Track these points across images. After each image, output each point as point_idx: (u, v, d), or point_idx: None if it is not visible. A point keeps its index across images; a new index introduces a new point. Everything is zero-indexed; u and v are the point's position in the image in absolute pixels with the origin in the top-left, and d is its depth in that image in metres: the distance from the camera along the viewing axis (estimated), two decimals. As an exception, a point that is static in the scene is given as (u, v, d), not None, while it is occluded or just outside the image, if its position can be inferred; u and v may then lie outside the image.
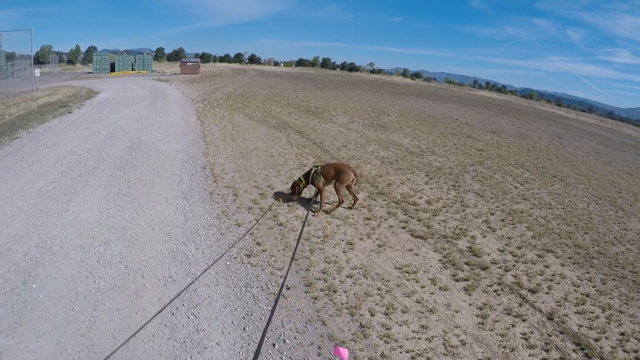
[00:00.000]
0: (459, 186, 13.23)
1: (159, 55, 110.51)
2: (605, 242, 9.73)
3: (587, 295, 7.26)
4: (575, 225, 10.58)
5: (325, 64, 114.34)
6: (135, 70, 57.31)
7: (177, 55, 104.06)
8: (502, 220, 10.64)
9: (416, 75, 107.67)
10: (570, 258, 8.64)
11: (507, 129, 28.03)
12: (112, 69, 56.33)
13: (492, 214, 11.01)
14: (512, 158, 18.47)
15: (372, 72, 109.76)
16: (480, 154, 18.53)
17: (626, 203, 13.34)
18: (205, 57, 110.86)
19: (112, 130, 16.77)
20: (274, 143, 16.52)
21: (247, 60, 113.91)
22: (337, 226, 9.26)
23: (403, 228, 9.59)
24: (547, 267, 8.18)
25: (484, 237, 9.56)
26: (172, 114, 21.59)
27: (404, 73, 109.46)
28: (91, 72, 55.03)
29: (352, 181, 9.89)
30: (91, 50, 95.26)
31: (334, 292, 6.84)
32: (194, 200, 9.96)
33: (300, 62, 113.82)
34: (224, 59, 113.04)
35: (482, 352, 5.77)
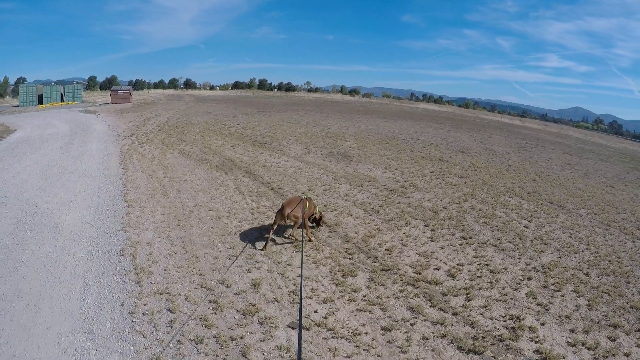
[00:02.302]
0: (470, 237, 10.37)
1: (91, 84, 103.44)
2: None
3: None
4: (612, 272, 9.15)
5: (262, 85, 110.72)
6: (64, 102, 51.66)
7: (110, 84, 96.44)
8: (545, 287, 8.20)
9: (354, 91, 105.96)
10: (639, 331, 6.96)
11: (473, 146, 25.71)
12: (40, 101, 50.29)
13: (530, 279, 8.44)
14: (498, 184, 16.19)
15: (310, 90, 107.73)
16: (464, 182, 15.92)
17: (633, 226, 12.62)
18: (139, 85, 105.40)
19: (4, 190, 12.51)
20: (220, 193, 12.80)
21: (182, 86, 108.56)
22: (347, 358, 5.66)
23: (442, 337, 6.24)
24: (627, 355, 6.27)
25: (543, 324, 6.88)
26: (90, 158, 17.33)
27: (342, 90, 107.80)
28: (18, 106, 49.35)
29: (283, 219, 9.08)
30: (20, 81, 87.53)
31: None
32: (105, 336, 5.88)
33: (236, 85, 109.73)
34: (159, 85, 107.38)
35: None
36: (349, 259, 8.65)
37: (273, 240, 9.36)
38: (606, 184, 19.13)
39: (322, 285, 7.57)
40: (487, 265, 8.90)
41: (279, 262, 8.27)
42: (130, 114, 35.27)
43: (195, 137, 22.50)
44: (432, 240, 9.97)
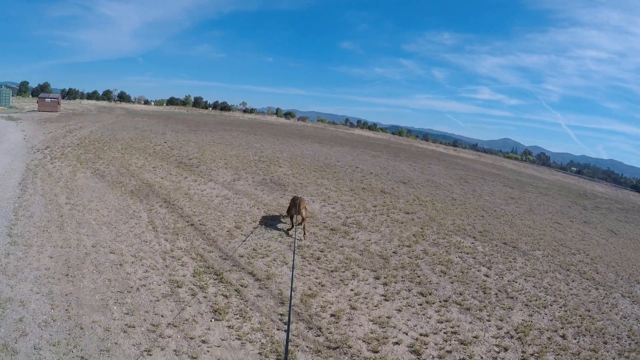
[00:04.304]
0: (430, 293, 8.70)
1: (22, 89, 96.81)
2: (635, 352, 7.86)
3: None
4: (587, 330, 8.37)
5: (198, 103, 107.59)
6: None
7: (42, 90, 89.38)
8: (524, 359, 6.83)
9: (289, 114, 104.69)
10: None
11: (414, 177, 24.53)
12: None
13: (506, 349, 7.06)
14: (447, 221, 14.93)
15: (245, 111, 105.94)
16: (411, 219, 14.46)
17: (591, 270, 12.37)
18: (72, 94, 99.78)
19: None
20: (128, 228, 10.38)
21: (116, 98, 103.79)
22: None
23: None
24: None
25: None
26: None
27: (277, 112, 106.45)
28: (-62, 107, 44.24)
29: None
30: None
31: None
32: None
33: (171, 101, 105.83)
34: (92, 96, 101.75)
35: None
36: (285, 330, 6.57)
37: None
38: (552, 220, 18.80)
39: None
40: (455, 333, 7.26)
41: (191, 338, 6.05)
42: (54, 124, 31.53)
43: (114, 155, 19.65)
44: (387, 300, 8.11)
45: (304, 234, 11.12)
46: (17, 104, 53.20)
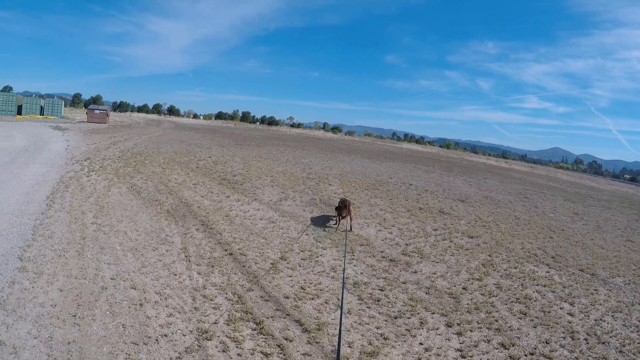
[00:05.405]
0: (512, 344, 7.14)
1: (75, 101, 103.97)
2: None
3: None
4: None
5: (245, 117, 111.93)
6: (43, 115, 50.00)
7: (94, 102, 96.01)
8: None
9: (336, 128, 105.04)
10: None
11: (471, 193, 22.80)
12: (20, 112, 49.15)
13: None
14: (516, 245, 13.25)
15: (293, 126, 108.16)
16: (477, 245, 12.83)
17: None
18: (123, 107, 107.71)
19: None
20: (157, 257, 9.30)
21: (165, 112, 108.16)
22: None
23: None
24: None
25: None
26: (17, 186, 13.72)
27: (324, 127, 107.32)
28: (-6, 114, 47.49)
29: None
30: (6, 90, 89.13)
31: None
32: None
33: (219, 115, 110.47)
34: (142, 109, 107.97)
35: None
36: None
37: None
38: (623, 238, 16.79)
39: None
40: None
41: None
42: (100, 135, 31.98)
43: (155, 170, 18.93)
44: (464, 357, 6.61)
45: (351, 228, 12.85)
46: (69, 115, 55.75)
